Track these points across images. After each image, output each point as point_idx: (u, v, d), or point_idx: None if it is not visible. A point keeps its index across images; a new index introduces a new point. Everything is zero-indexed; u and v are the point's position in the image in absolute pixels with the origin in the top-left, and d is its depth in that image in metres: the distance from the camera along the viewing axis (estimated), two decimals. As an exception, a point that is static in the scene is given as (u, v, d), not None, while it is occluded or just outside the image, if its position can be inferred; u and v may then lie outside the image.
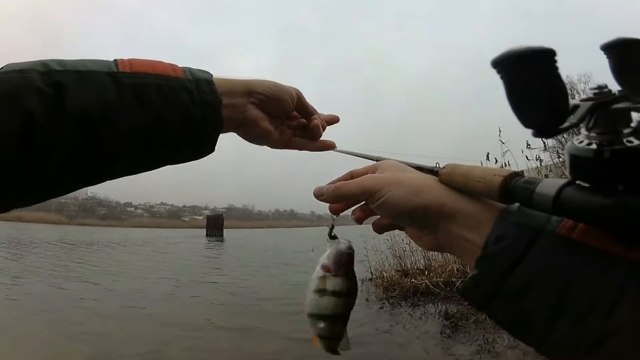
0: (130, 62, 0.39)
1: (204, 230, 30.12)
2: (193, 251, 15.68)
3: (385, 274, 6.23)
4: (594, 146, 0.30)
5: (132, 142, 0.38)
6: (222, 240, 24.24)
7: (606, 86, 0.32)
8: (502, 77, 0.31)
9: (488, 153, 5.94)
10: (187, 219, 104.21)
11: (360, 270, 6.70)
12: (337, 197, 0.45)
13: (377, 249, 6.82)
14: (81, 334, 4.04)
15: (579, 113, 0.32)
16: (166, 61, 0.42)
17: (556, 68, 0.29)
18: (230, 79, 0.47)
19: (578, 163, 0.31)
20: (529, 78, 0.30)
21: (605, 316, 0.27)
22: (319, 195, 0.46)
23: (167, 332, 4.16)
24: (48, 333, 4.09)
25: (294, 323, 4.05)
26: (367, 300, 5.50)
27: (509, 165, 5.93)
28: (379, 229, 0.48)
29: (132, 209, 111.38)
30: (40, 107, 0.32)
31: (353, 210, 0.48)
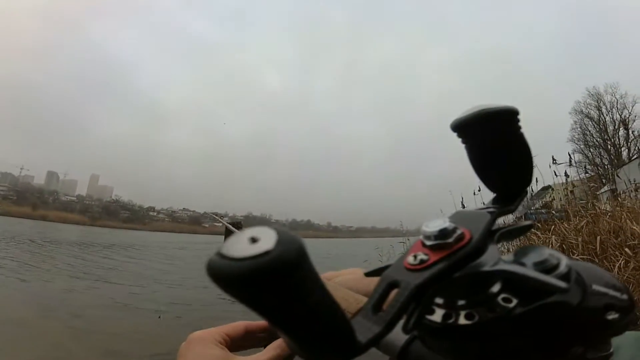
0: None
1: (222, 237, 30.58)
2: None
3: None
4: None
5: None
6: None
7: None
8: (463, 142, 0.29)
9: None
10: (207, 225, 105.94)
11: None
12: None
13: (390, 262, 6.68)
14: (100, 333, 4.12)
15: None
16: None
17: (519, 128, 0.28)
18: None
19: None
20: (494, 140, 0.28)
21: None
22: None
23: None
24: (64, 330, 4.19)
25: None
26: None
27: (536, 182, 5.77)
28: None
29: (155, 214, 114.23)
30: None
31: None
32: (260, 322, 0.38)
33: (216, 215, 10.43)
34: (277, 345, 0.36)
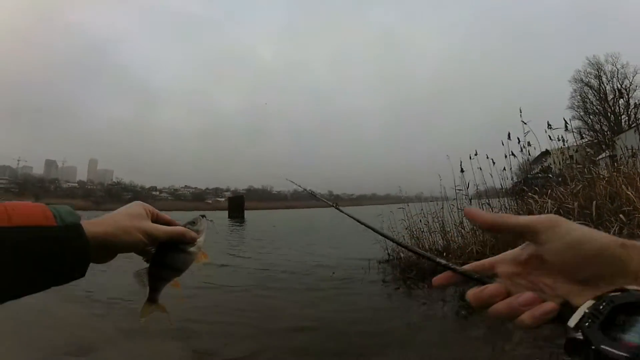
0: (8, 213, 0.44)
1: (226, 212, 30.96)
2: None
3: (402, 255, 6.22)
4: None
5: (7, 288, 0.44)
6: (242, 222, 24.72)
7: None
8: None
9: (509, 132, 5.84)
10: (210, 201, 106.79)
11: (377, 251, 6.82)
12: (491, 223, 0.44)
13: (394, 229, 6.79)
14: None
15: None
16: (34, 203, 0.49)
17: None
18: (97, 222, 0.53)
19: None
20: None
21: None
22: (471, 215, 0.46)
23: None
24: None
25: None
26: (383, 281, 5.55)
27: (530, 145, 5.80)
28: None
29: (157, 193, 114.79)
30: None
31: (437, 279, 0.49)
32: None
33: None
34: None
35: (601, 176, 4.54)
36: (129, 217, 0.57)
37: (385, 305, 4.44)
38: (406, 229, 6.71)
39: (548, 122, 5.41)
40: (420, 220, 6.65)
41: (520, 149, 5.96)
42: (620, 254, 0.37)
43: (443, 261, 0.50)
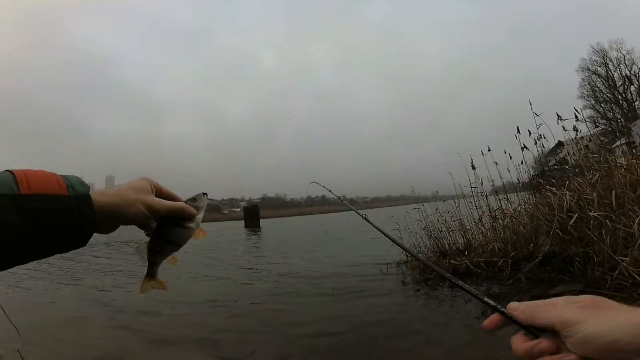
0: (28, 180, 0.47)
1: (242, 222, 31.20)
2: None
3: (421, 256, 6.16)
4: None
5: (20, 252, 0.47)
6: (259, 231, 24.87)
7: None
8: None
9: (518, 126, 5.82)
10: (226, 212, 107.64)
11: (394, 253, 6.77)
12: (530, 318, 0.47)
13: (410, 230, 6.74)
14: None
15: None
16: (49, 172, 0.51)
17: None
18: (105, 193, 0.56)
19: None
20: None
21: None
22: (514, 310, 0.49)
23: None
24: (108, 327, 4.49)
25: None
26: (402, 282, 5.52)
27: (543, 137, 5.74)
28: None
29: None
30: None
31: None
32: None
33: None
34: None
35: (619, 164, 4.46)
36: (134, 190, 0.59)
37: (408, 307, 4.42)
38: (424, 229, 6.66)
39: (557, 114, 5.36)
40: (438, 220, 6.62)
41: (534, 142, 5.89)
42: (633, 342, 0.39)
43: (491, 302, 0.53)
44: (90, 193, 0.53)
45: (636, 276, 3.52)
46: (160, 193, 0.64)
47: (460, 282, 0.60)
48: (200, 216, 0.67)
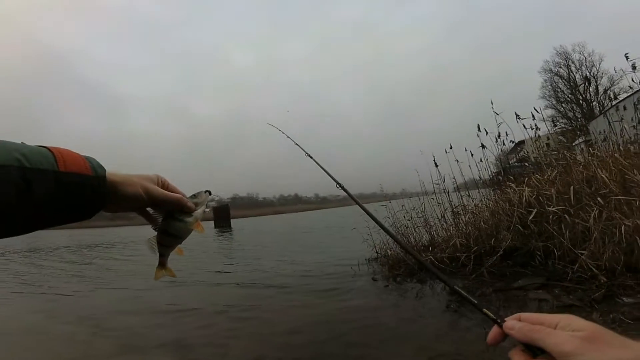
0: (64, 159, 0.55)
1: (212, 222, 30.51)
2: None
3: (390, 252, 6.24)
4: None
5: (54, 215, 0.55)
6: (229, 231, 24.49)
7: None
8: None
9: (478, 124, 5.99)
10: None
11: (365, 249, 6.84)
12: (528, 340, 0.48)
13: (379, 228, 6.81)
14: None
15: None
16: (77, 153, 0.58)
17: None
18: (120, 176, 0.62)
19: None
20: None
21: None
22: (510, 329, 0.50)
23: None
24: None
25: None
26: (373, 279, 5.56)
27: (506, 135, 5.93)
28: None
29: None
30: (14, 193, 0.49)
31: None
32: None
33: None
34: None
35: (577, 161, 4.66)
36: (138, 176, 0.66)
37: (377, 303, 4.44)
38: (392, 225, 6.73)
39: (516, 113, 5.57)
40: (404, 216, 6.71)
41: (495, 140, 6.08)
42: None
43: (491, 315, 0.54)
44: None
45: (594, 269, 3.67)
46: (167, 188, 0.69)
47: (464, 293, 0.61)
48: (199, 211, 0.71)
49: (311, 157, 1.48)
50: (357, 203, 1.10)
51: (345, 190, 1.15)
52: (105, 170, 0.60)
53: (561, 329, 0.46)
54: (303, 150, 1.56)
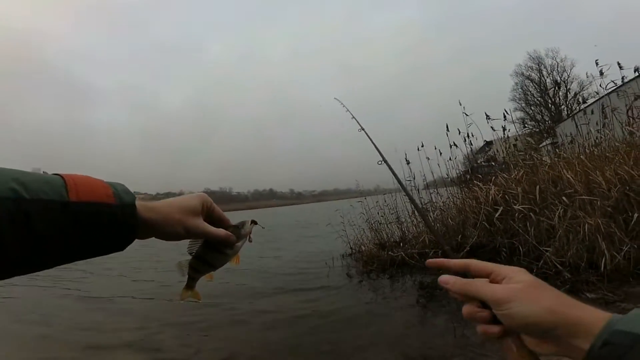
0: (77, 186, 0.49)
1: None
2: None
3: (364, 248, 6.34)
4: None
5: (63, 252, 0.48)
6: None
7: None
8: None
9: (447, 124, 6.16)
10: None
11: (339, 245, 6.91)
12: (463, 293, 0.52)
13: (353, 224, 6.91)
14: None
15: None
16: (97, 179, 0.53)
17: None
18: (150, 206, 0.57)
19: None
20: None
21: None
22: (445, 283, 0.54)
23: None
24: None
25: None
26: (347, 275, 5.62)
27: (473, 136, 6.11)
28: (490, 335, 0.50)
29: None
30: (7, 229, 0.43)
31: (484, 328, 0.50)
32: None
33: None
34: None
35: (544, 162, 4.86)
36: (181, 210, 0.60)
37: (351, 299, 4.49)
38: (366, 221, 6.84)
39: (486, 113, 5.74)
40: (378, 213, 6.83)
41: (463, 140, 6.27)
42: (550, 324, 0.44)
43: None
44: (136, 203, 0.54)
45: (559, 266, 3.86)
46: (212, 214, 0.66)
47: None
48: (239, 244, 0.69)
49: (364, 130, 1.53)
50: (401, 185, 1.17)
51: (389, 166, 1.18)
52: (134, 197, 0.55)
53: (506, 282, 0.48)
54: (358, 123, 1.63)
